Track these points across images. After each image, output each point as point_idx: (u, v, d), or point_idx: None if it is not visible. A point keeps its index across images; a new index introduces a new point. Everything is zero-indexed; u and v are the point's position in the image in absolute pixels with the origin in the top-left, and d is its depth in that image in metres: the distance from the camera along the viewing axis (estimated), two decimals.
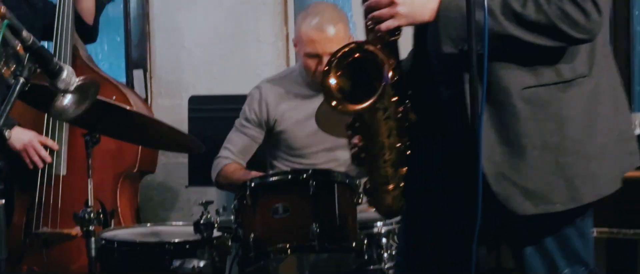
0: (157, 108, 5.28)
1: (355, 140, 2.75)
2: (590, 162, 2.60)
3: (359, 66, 2.59)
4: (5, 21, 2.31)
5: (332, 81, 2.58)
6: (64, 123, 4.30)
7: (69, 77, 2.40)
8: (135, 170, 4.54)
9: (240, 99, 4.38)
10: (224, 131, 4.36)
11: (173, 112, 5.17)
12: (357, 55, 2.59)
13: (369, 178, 2.77)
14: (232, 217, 3.67)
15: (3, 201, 2.28)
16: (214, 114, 4.77)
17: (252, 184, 3.55)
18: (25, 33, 2.33)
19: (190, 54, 5.32)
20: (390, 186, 2.71)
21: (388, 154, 2.66)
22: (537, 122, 2.58)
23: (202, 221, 3.51)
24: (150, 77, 5.40)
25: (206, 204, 3.56)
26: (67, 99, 2.40)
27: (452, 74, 2.60)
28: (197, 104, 4.91)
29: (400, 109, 2.64)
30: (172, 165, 5.30)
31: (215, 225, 3.53)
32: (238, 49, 5.14)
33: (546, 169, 2.59)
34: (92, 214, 3.61)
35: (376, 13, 2.58)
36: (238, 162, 4.23)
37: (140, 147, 4.46)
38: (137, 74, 5.39)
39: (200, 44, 5.28)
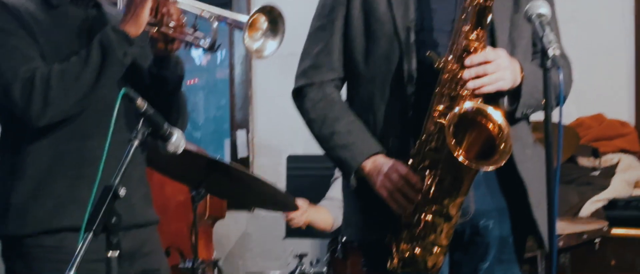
0: (258, 167, 5.39)
1: (417, 183, 2.61)
2: None
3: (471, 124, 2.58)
4: (123, 90, 2.42)
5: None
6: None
7: (178, 140, 2.50)
8: (206, 217, 4.61)
9: None
10: (320, 189, 4.42)
11: (272, 171, 5.25)
12: (476, 117, 2.56)
13: (413, 235, 2.64)
14: (325, 269, 3.72)
15: (118, 252, 2.36)
16: (311, 173, 4.86)
17: (344, 239, 3.60)
18: (139, 100, 2.43)
19: (289, 116, 5.37)
20: (438, 248, 2.63)
21: (451, 211, 2.60)
22: None
23: (296, 272, 3.57)
24: (252, 138, 5.50)
25: (301, 256, 3.62)
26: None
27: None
28: (295, 163, 4.99)
29: None
30: (270, 218, 5.37)
31: None
32: None
33: None
34: (196, 263, 3.71)
35: (485, 79, 2.55)
36: None
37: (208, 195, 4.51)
38: (240, 134, 5.51)
39: None
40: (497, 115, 2.51)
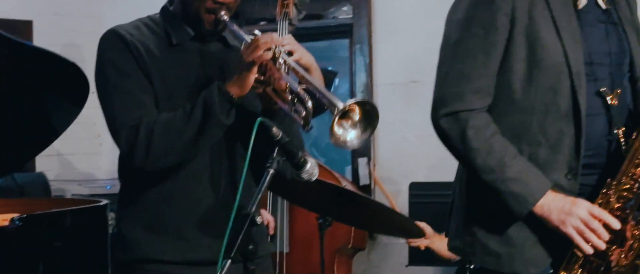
0: (379, 194, 5.37)
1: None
2: None
3: None
4: (259, 119, 2.44)
5: None
6: (284, 202, 4.38)
7: (312, 168, 2.51)
8: (349, 246, 4.59)
9: None
10: (443, 216, 4.37)
11: (394, 198, 5.23)
12: None
13: None
14: None
15: None
16: (434, 200, 4.81)
17: (472, 266, 3.55)
18: (274, 129, 2.46)
19: (411, 144, 5.38)
20: None
21: None
22: None
23: None
24: (374, 165, 5.50)
25: None
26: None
27: None
28: (418, 190, 4.96)
29: None
30: (393, 245, 5.36)
31: None
32: None
33: None
34: None
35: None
36: None
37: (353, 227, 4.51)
38: (362, 161, 5.50)
39: (420, 135, 5.34)
40: None
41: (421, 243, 4.11)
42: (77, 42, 5.87)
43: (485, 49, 2.64)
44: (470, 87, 2.64)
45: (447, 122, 2.67)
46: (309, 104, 2.56)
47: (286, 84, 2.65)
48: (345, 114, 2.49)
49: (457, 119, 2.65)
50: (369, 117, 2.51)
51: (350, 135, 2.51)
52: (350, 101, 2.46)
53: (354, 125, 2.51)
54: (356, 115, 2.51)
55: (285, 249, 4.48)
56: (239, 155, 2.88)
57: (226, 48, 2.92)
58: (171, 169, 2.80)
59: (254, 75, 2.67)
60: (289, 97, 2.65)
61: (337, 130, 2.48)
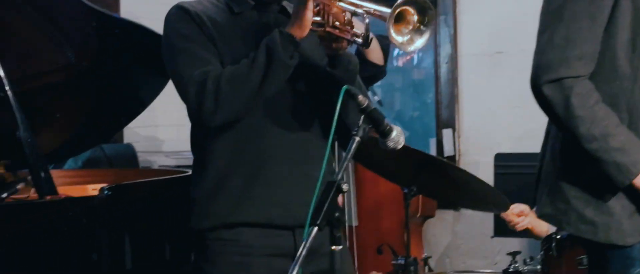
0: (464, 165, 5.33)
1: None
2: None
3: None
4: (345, 87, 2.43)
5: None
6: (351, 176, 4.37)
7: (397, 136, 2.50)
8: (418, 215, 4.56)
9: None
10: (529, 187, 4.32)
11: (479, 170, 5.19)
12: None
13: None
14: (539, 267, 3.63)
15: (340, 247, 2.37)
16: (519, 171, 4.75)
17: (558, 236, 3.50)
18: (360, 97, 2.44)
19: (496, 115, 5.33)
20: None
21: None
22: None
23: (510, 270, 3.50)
24: (459, 136, 5.46)
25: (514, 254, 3.55)
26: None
27: None
28: (503, 161, 4.91)
29: None
30: (478, 216, 5.32)
31: None
32: (541, 110, 5.09)
33: None
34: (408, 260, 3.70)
35: None
36: None
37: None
38: (446, 133, 5.47)
39: (505, 106, 5.28)
40: None
41: (523, 223, 4.06)
42: (164, 15, 5.90)
43: (591, 14, 2.57)
44: (575, 53, 2.57)
45: (551, 89, 2.59)
46: (367, 20, 2.59)
47: (343, 17, 2.67)
48: (400, 18, 2.53)
49: (562, 85, 2.57)
50: (423, 11, 2.54)
51: (414, 40, 2.58)
52: (398, 2, 2.49)
53: (413, 27, 2.56)
54: (412, 16, 2.55)
55: (354, 223, 4.47)
56: (305, 112, 2.88)
57: (286, 17, 2.92)
58: (238, 130, 2.81)
59: (310, 11, 2.66)
60: (348, 28, 2.67)
61: (397, 37, 2.53)
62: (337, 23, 2.69)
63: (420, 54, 5.99)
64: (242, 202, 2.82)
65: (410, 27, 2.55)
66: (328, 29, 2.70)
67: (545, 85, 2.57)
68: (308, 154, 2.87)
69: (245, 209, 2.82)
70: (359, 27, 2.68)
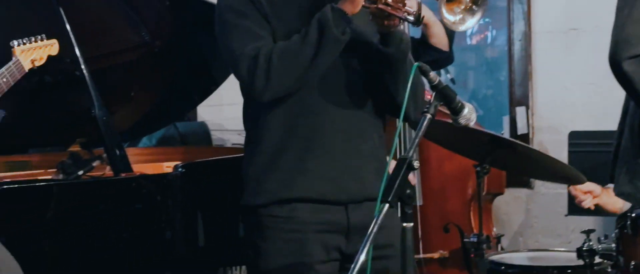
0: (538, 143, 5.28)
1: None
2: None
3: None
4: (416, 63, 2.41)
5: None
6: (414, 156, 4.34)
7: (469, 113, 2.47)
8: (485, 193, 4.52)
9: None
10: (603, 166, 4.26)
11: (553, 147, 5.13)
12: None
13: None
14: (613, 245, 3.57)
15: (411, 224, 2.36)
16: (594, 149, 4.68)
17: (633, 214, 3.44)
18: (432, 74, 2.43)
19: (570, 92, 5.26)
20: None
21: None
22: None
23: (584, 248, 3.45)
24: (532, 114, 5.40)
25: (588, 232, 3.49)
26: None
27: None
28: (577, 139, 4.85)
29: None
30: (552, 195, 5.27)
31: (597, 252, 3.46)
32: (616, 88, 5.02)
33: None
34: (481, 238, 3.67)
35: None
36: None
37: None
38: (520, 110, 5.42)
39: (580, 83, 5.21)
40: None
41: (588, 202, 4.00)
42: None
43: None
44: None
45: (632, 65, 2.54)
46: None
47: None
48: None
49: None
50: None
51: (466, 20, 2.63)
52: None
53: (466, 7, 2.59)
54: None
55: (419, 202, 4.45)
56: (357, 89, 2.86)
57: None
58: (291, 106, 2.80)
59: None
60: (400, 5, 2.65)
61: (449, 16, 2.58)
62: (389, 0, 2.67)
63: (494, 32, 5.93)
64: (295, 178, 2.82)
65: (463, 6, 2.56)
66: (380, 5, 2.67)
67: (625, 61, 2.52)
68: (360, 129, 2.86)
69: (298, 185, 2.82)
70: (412, 5, 2.66)
